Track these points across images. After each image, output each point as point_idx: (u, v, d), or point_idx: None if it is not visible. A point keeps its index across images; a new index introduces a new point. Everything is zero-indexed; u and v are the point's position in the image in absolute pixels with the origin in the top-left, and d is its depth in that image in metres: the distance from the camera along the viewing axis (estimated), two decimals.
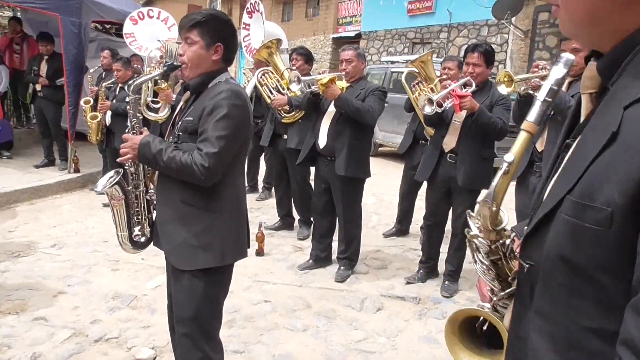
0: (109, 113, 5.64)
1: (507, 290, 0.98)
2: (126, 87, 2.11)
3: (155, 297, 3.48)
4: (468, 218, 1.01)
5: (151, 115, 4.96)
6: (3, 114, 7.34)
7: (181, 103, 2.21)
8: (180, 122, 2.08)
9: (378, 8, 16.58)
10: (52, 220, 5.19)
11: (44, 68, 6.79)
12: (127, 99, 2.13)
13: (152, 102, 5.02)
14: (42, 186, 5.96)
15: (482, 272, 1.01)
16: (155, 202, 2.20)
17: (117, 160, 2.09)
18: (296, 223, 5.24)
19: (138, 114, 2.13)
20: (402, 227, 5.24)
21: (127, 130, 2.11)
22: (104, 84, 5.83)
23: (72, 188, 6.35)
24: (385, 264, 4.45)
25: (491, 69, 3.78)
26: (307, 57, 4.82)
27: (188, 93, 2.17)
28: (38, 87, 6.81)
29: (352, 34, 17.98)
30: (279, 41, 4.85)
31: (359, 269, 4.22)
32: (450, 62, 4.40)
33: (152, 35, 7.15)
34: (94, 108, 5.99)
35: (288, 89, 4.67)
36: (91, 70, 6.36)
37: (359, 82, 3.95)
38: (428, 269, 4.16)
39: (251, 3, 6.43)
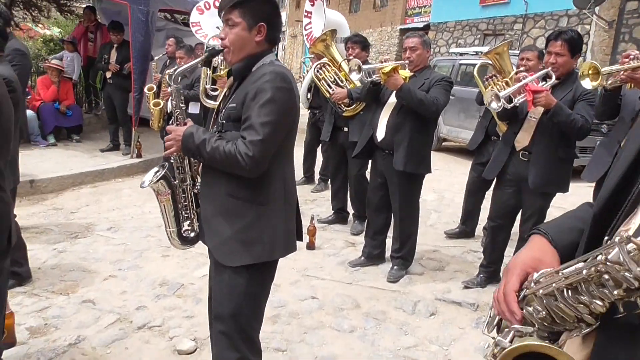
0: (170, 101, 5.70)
1: (596, 324, 0.78)
2: (167, 76, 1.98)
3: (201, 286, 3.43)
4: (619, 248, 0.73)
5: (209, 103, 4.94)
6: (75, 100, 7.65)
7: (224, 89, 2.08)
8: (224, 110, 1.95)
9: None
10: (111, 203, 5.31)
11: (113, 56, 6.98)
12: (169, 89, 2.04)
13: (211, 89, 4.98)
14: (105, 170, 6.13)
15: (571, 304, 0.79)
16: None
17: (163, 154, 2.00)
18: (350, 217, 5.06)
19: (181, 105, 2.02)
20: (467, 229, 4.89)
21: (170, 122, 2.02)
22: (167, 72, 5.89)
23: (133, 172, 6.49)
24: (442, 265, 4.18)
25: (577, 60, 3.39)
26: (362, 45, 4.57)
27: (232, 79, 2.04)
28: (108, 75, 7.02)
29: (421, 25, 17.45)
30: (333, 32, 4.65)
31: (413, 269, 3.98)
32: (529, 52, 4.03)
33: (217, 25, 7.19)
34: (157, 95, 6.10)
35: (347, 80, 4.47)
36: (155, 58, 6.46)
37: (423, 72, 3.71)
38: (489, 273, 3.86)
39: None
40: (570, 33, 3.30)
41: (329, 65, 4.57)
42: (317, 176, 6.57)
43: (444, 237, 4.83)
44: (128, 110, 7.07)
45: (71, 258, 3.84)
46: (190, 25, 7.16)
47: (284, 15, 32.38)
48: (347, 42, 4.64)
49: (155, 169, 2.06)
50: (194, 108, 5.55)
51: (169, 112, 5.76)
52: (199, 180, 2.08)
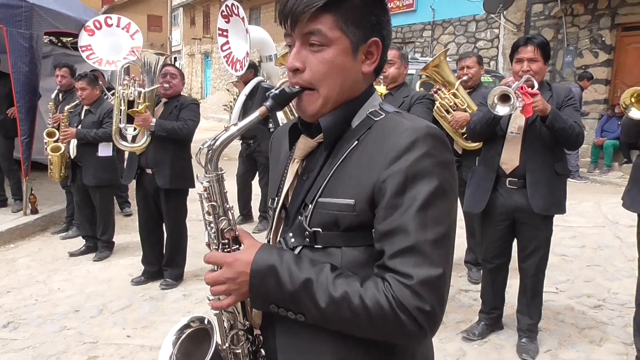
0: (73, 143, 4.57)
1: None
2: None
3: None
4: None
5: (125, 145, 3.91)
6: None
7: (294, 165, 1.08)
8: (311, 204, 0.99)
9: None
10: (4, 281, 4.12)
11: None
12: (204, 183, 0.99)
13: (127, 129, 3.95)
14: None
15: None
16: (264, 352, 1.09)
17: (211, 307, 0.99)
18: None
19: (226, 204, 1.00)
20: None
21: (206, 241, 1.01)
22: (66, 108, 4.79)
23: (29, 234, 5.26)
24: None
25: (547, 65, 3.08)
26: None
27: (304, 143, 1.07)
28: None
29: None
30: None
31: None
32: (467, 59, 3.90)
33: (113, 46, 6.20)
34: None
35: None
36: (52, 95, 5.29)
37: (400, 89, 3.23)
38: (492, 320, 3.34)
39: (227, 6, 5.47)
40: (540, 38, 3.01)
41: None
42: (255, 213, 5.80)
43: None
44: (15, 154, 5.79)
45: None
46: (80, 49, 6.11)
47: (178, 33, 30.73)
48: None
49: (175, 330, 1.09)
50: (105, 150, 4.50)
51: (72, 157, 4.63)
52: (257, 327, 1.10)
